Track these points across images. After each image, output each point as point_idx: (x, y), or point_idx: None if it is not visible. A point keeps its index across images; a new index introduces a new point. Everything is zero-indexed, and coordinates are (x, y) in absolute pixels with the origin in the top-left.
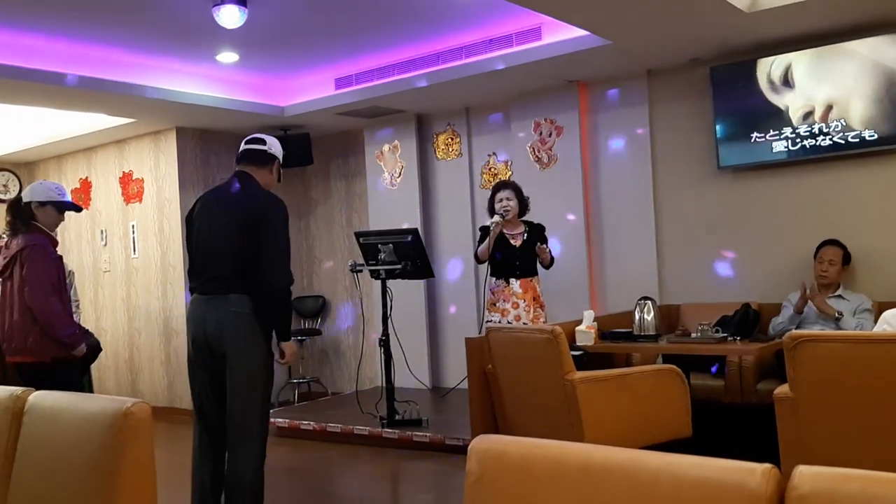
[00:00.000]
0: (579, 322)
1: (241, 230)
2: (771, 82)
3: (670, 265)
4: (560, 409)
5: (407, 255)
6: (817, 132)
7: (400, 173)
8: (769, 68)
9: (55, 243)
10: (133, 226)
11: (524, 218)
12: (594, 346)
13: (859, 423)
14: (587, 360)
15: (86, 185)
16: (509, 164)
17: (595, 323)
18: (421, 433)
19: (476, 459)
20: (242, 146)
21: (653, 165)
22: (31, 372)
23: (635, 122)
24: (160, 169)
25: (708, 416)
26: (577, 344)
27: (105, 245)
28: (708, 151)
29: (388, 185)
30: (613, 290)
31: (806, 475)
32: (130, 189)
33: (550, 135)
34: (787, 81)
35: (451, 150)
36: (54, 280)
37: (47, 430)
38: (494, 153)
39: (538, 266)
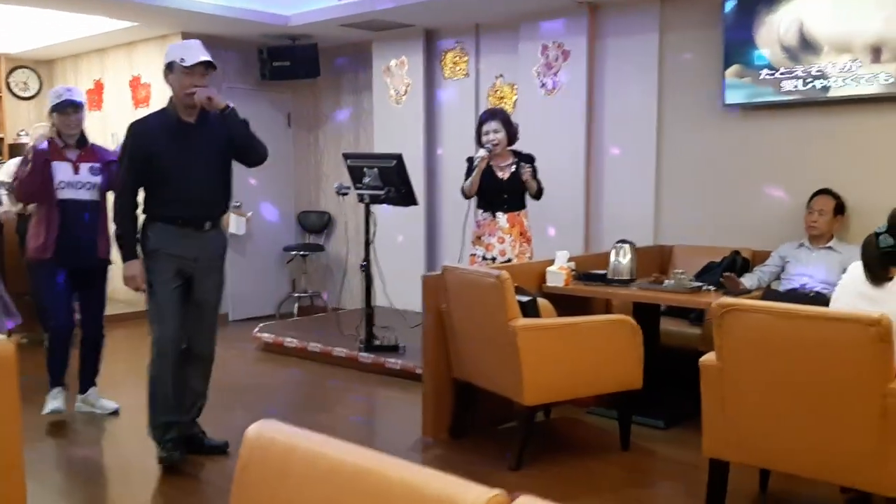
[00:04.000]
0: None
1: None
2: (787, 50)
3: (668, 204)
4: (504, 354)
5: (391, 180)
6: (831, 73)
7: (406, 91)
8: (778, 33)
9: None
10: None
11: (513, 148)
12: (563, 288)
13: (780, 400)
14: (534, 304)
15: (98, 87)
16: (515, 87)
17: (571, 264)
18: (394, 360)
19: (248, 445)
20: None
21: (659, 99)
22: None
23: (644, 51)
24: None
25: (681, 364)
26: (548, 284)
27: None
28: (715, 87)
29: (393, 103)
30: (609, 227)
31: None
32: (139, 93)
33: (557, 59)
34: (806, 43)
35: (458, 68)
36: None
37: None
38: (502, 75)
39: (527, 198)
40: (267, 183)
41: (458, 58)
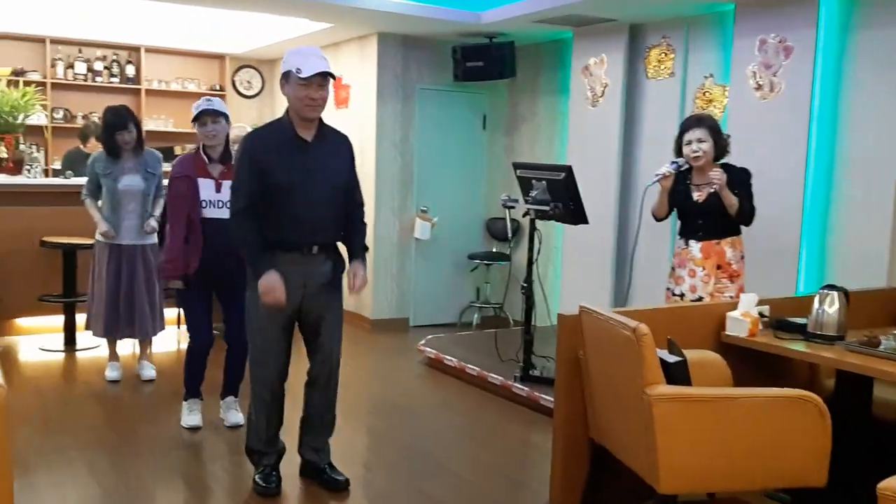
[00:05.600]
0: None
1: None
2: None
3: None
4: (638, 426)
5: (559, 195)
6: None
7: (603, 92)
8: None
9: None
10: None
11: (724, 161)
12: (745, 339)
13: None
14: (683, 367)
15: None
16: (726, 89)
17: (762, 308)
18: (549, 397)
19: None
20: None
21: None
22: None
23: (891, 47)
24: (363, 75)
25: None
26: (727, 333)
27: None
28: None
29: (589, 106)
30: (833, 261)
31: None
32: (340, 94)
33: (777, 56)
34: None
35: (662, 67)
36: None
37: None
38: (712, 75)
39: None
40: (458, 187)
41: (663, 55)
